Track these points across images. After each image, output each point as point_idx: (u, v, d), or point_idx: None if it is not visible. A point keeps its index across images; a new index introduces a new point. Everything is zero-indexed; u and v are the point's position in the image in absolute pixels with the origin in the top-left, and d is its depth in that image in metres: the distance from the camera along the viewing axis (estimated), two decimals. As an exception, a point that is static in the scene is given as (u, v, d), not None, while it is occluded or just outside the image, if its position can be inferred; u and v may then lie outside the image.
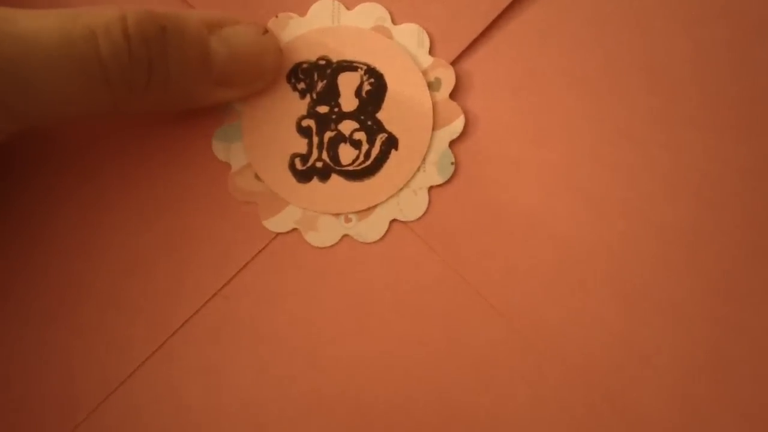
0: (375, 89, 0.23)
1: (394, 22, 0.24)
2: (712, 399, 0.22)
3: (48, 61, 0.19)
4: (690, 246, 0.22)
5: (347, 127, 0.23)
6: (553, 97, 0.23)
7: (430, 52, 0.23)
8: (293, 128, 0.23)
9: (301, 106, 0.23)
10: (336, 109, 0.23)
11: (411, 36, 0.24)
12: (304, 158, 0.23)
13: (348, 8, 0.24)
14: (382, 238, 0.23)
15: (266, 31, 0.23)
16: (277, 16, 0.24)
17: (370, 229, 0.23)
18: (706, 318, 0.22)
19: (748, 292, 0.22)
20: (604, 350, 0.22)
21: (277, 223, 0.23)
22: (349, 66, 0.23)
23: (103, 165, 0.24)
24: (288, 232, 0.23)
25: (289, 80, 0.24)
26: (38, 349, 0.23)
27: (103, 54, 0.19)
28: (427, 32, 0.23)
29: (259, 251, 0.23)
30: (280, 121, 0.23)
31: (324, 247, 0.23)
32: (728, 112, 0.23)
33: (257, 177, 0.23)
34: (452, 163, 0.23)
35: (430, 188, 0.23)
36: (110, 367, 0.23)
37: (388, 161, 0.23)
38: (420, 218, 0.23)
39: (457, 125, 0.23)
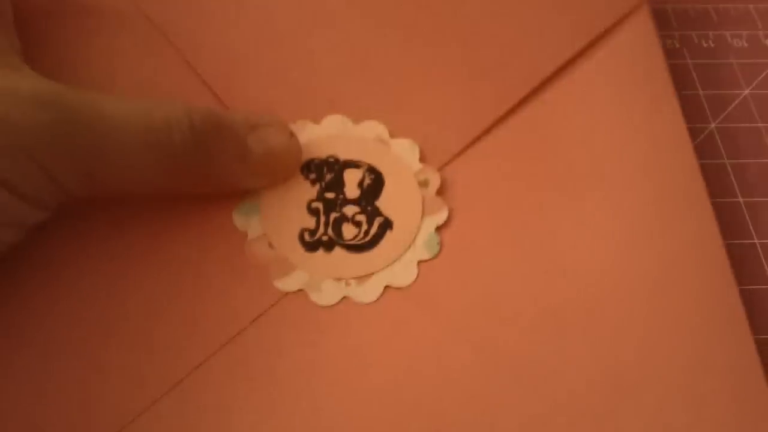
0: (374, 183, 0.28)
1: (391, 135, 0.29)
2: (686, 422, 0.24)
3: (133, 144, 0.23)
4: (648, 296, 0.27)
5: (350, 210, 0.28)
6: (522, 195, 0.29)
7: (420, 159, 0.29)
8: (304, 208, 0.28)
9: (312, 191, 0.28)
10: (341, 196, 0.28)
11: (405, 147, 0.29)
12: (312, 232, 0.27)
13: (354, 123, 0.29)
14: (377, 300, 0.26)
15: (293, 134, 0.28)
16: (295, 122, 0.29)
17: (367, 292, 0.26)
18: (671, 353, 0.25)
19: (710, 324, 0.26)
20: (586, 383, 0.25)
21: (286, 283, 0.26)
22: (353, 164, 0.28)
23: (134, 226, 0.27)
24: (295, 292, 0.26)
25: (302, 171, 0.28)
26: (59, 382, 0.24)
27: (176, 143, 0.24)
28: (419, 145, 0.29)
29: (270, 306, 0.26)
30: (294, 202, 0.28)
31: (326, 306, 0.26)
32: (665, 202, 0.29)
33: (270, 245, 0.27)
34: (438, 243, 0.27)
35: (419, 262, 0.27)
36: (125, 401, 0.24)
37: (384, 239, 0.27)
38: (410, 285, 0.27)
39: (442, 215, 0.28)
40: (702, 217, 0.28)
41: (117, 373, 0.24)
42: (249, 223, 0.27)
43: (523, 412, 0.24)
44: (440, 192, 0.28)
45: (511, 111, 0.30)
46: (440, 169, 0.29)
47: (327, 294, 0.26)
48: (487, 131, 0.30)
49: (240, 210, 0.27)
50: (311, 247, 0.27)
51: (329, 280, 0.27)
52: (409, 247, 0.27)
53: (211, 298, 0.26)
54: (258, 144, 0.26)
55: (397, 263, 0.27)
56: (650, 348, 0.26)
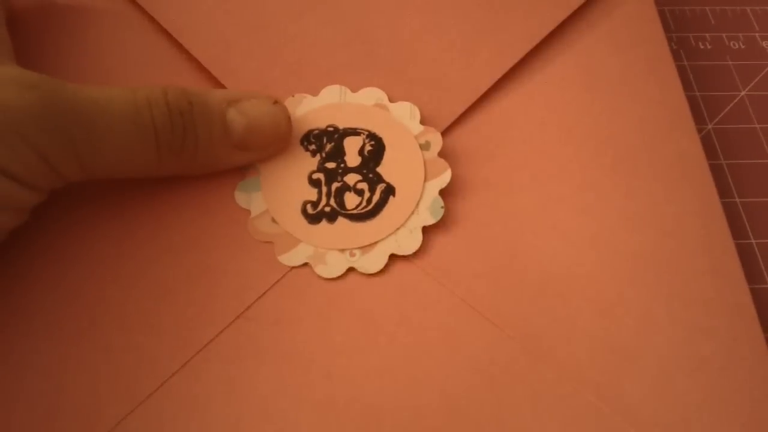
0: (375, 149, 0.28)
1: (391, 101, 0.29)
2: (688, 385, 0.24)
3: (119, 124, 0.24)
4: (648, 261, 0.26)
5: (352, 179, 0.27)
6: (522, 160, 0.29)
7: (421, 122, 0.28)
8: (305, 180, 0.27)
9: (312, 163, 0.28)
10: (342, 165, 0.28)
11: (405, 110, 0.29)
12: (315, 204, 0.27)
13: (353, 92, 0.29)
14: (382, 270, 0.26)
15: (277, 101, 0.27)
16: (293, 96, 0.29)
17: (372, 262, 0.26)
18: (671, 319, 0.25)
19: (704, 296, 0.26)
20: (588, 351, 0.25)
21: (291, 258, 0.26)
22: (353, 132, 0.28)
23: (137, 209, 0.27)
24: (300, 266, 0.26)
25: (302, 143, 0.28)
26: (68, 365, 0.24)
27: (156, 121, 0.24)
28: (419, 108, 0.29)
29: (276, 281, 0.26)
30: (294, 175, 0.27)
31: (332, 279, 0.26)
32: (663, 165, 0.28)
33: (273, 220, 0.27)
34: (442, 207, 0.27)
35: (424, 227, 0.27)
36: (136, 382, 0.24)
37: (387, 206, 0.27)
38: (415, 253, 0.26)
39: (445, 177, 0.27)
40: (700, 180, 0.28)
41: (126, 354, 0.24)
42: (251, 200, 0.27)
43: (529, 381, 0.24)
44: (442, 154, 0.28)
45: (512, 79, 0.30)
46: (442, 133, 0.28)
47: (332, 266, 0.26)
48: (488, 98, 0.30)
49: (241, 188, 0.27)
50: (314, 219, 0.27)
51: (334, 251, 0.26)
52: (413, 212, 0.27)
53: (216, 276, 0.26)
54: (238, 117, 0.26)
55: (402, 230, 0.27)
56: (652, 315, 0.25)
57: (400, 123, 0.28)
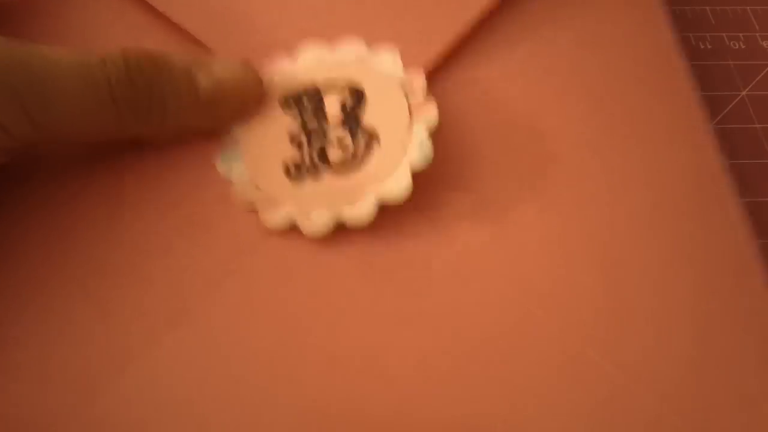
0: (356, 101, 0.26)
1: (370, 49, 0.27)
2: (688, 344, 0.24)
3: (68, 80, 0.23)
4: (646, 220, 0.26)
5: (334, 134, 0.26)
6: (513, 111, 0.28)
7: (404, 66, 0.27)
8: (287, 143, 0.26)
9: (293, 125, 0.26)
10: (324, 123, 0.26)
11: (386, 57, 0.27)
12: (297, 165, 0.26)
13: (331, 46, 0.28)
14: (372, 222, 0.24)
15: (248, 65, 0.26)
16: (271, 61, 0.28)
17: (360, 213, 0.24)
18: (672, 278, 0.25)
19: (705, 255, 0.25)
20: (591, 311, 0.24)
21: (276, 221, 0.25)
22: (333, 88, 0.27)
23: (127, 171, 0.27)
24: (288, 229, 0.25)
25: (282, 107, 0.27)
26: (62, 324, 0.24)
27: (111, 78, 0.23)
28: (401, 51, 0.27)
29: (261, 242, 0.25)
30: (276, 138, 0.26)
31: (319, 236, 0.24)
32: (659, 124, 0.28)
33: (257, 187, 0.25)
34: (431, 149, 0.25)
35: (413, 173, 0.25)
36: (129, 336, 0.23)
37: (373, 156, 0.25)
38: (405, 199, 0.24)
39: (432, 117, 0.25)
40: (699, 138, 0.28)
41: (117, 312, 0.24)
42: (233, 170, 0.26)
43: (535, 338, 0.24)
44: (428, 95, 0.26)
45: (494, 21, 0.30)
46: (427, 74, 0.27)
47: (318, 223, 0.25)
48: (476, 48, 0.29)
49: (223, 158, 0.26)
50: (297, 179, 0.25)
51: (319, 209, 0.25)
52: (401, 158, 0.25)
53: (201, 240, 0.25)
54: (207, 78, 0.25)
55: (389, 178, 0.25)
56: (655, 278, 0.25)
57: (382, 71, 0.27)
